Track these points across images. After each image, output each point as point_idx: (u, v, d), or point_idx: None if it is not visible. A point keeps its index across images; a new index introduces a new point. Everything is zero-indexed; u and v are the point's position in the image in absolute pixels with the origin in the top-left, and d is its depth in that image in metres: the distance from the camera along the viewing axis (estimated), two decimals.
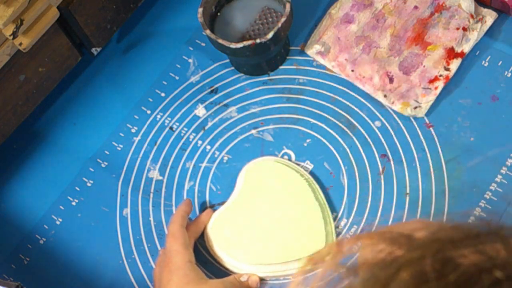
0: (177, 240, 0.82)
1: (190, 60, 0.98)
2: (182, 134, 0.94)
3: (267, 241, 0.86)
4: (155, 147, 0.94)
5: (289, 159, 0.91)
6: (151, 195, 0.91)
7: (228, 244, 0.86)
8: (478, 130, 0.88)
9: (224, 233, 0.87)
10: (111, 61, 1.00)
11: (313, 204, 0.86)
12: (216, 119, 0.94)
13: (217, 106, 0.95)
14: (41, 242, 0.91)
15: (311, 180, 0.88)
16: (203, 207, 0.90)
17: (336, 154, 0.90)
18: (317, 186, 0.88)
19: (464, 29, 0.91)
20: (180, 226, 0.83)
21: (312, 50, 0.95)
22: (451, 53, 0.90)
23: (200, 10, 0.91)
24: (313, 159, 0.90)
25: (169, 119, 0.95)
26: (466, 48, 0.91)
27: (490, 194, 0.85)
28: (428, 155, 0.88)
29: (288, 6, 0.89)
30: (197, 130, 0.94)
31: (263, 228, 0.86)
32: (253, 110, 0.94)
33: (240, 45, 0.88)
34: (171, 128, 0.95)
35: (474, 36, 0.91)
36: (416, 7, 0.94)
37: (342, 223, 0.86)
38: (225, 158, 0.92)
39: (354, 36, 0.94)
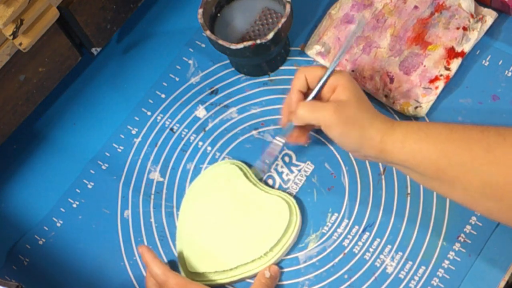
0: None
1: (190, 61, 0.98)
2: (182, 136, 0.94)
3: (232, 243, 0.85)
4: (156, 149, 0.94)
5: (290, 160, 0.90)
6: (152, 196, 0.91)
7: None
8: None
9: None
10: (111, 61, 1.00)
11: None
12: (217, 120, 0.94)
13: (218, 107, 0.95)
14: (41, 243, 0.90)
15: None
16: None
17: (337, 155, 0.90)
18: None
19: (464, 28, 0.91)
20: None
21: (312, 51, 0.95)
22: (451, 53, 0.90)
23: (200, 11, 0.91)
24: (314, 159, 0.90)
25: (170, 120, 0.95)
26: (467, 47, 0.91)
27: None
28: None
29: (288, 6, 0.89)
30: (198, 131, 0.94)
31: (222, 231, 0.86)
32: (253, 111, 0.94)
33: (240, 46, 0.88)
34: (171, 129, 0.95)
35: (474, 36, 0.91)
36: (416, 7, 0.94)
37: (344, 224, 0.86)
38: (226, 159, 0.92)
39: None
